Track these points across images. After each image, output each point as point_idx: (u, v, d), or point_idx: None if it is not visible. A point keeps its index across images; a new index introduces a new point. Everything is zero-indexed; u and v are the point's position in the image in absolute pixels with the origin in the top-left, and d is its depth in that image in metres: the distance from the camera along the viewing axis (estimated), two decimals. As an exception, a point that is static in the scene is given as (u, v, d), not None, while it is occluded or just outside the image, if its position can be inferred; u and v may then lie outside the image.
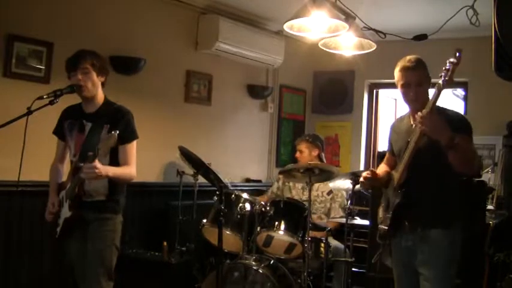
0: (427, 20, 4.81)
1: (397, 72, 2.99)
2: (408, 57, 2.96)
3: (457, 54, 2.65)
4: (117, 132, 2.89)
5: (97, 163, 2.90)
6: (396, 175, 2.97)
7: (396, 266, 3.08)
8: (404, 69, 2.94)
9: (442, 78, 2.68)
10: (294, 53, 6.16)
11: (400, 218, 2.93)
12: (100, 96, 3.25)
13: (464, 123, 2.92)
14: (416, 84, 2.90)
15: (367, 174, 3.07)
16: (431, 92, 2.82)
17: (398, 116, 3.29)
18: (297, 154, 4.95)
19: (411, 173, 2.89)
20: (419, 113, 2.74)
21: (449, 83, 2.68)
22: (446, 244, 2.85)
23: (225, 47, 5.34)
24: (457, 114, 3.00)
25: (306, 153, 4.86)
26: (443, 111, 2.90)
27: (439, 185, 2.88)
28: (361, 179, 3.11)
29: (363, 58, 4.88)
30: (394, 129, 3.22)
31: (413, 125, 2.89)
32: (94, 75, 3.17)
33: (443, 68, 2.69)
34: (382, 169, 3.23)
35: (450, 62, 2.66)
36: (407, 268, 2.98)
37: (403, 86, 2.96)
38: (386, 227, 2.99)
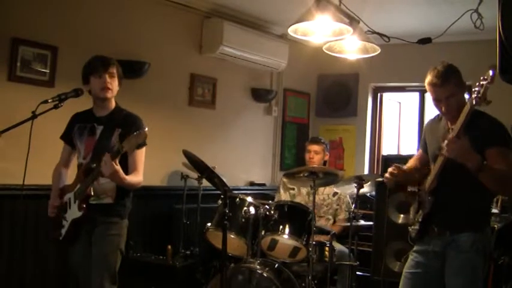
0: (431, 23, 4.80)
1: (426, 84, 2.86)
2: (436, 70, 2.80)
3: (491, 72, 2.48)
4: (146, 129, 2.95)
5: (117, 164, 2.95)
6: (428, 179, 2.91)
7: (412, 268, 2.97)
8: (431, 85, 2.81)
9: (475, 95, 2.52)
10: (298, 56, 6.16)
11: (429, 224, 2.89)
12: (112, 101, 3.30)
13: (499, 134, 2.78)
14: (447, 98, 2.79)
15: (393, 169, 2.98)
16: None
17: (436, 114, 3.11)
18: (310, 155, 4.88)
19: (441, 180, 2.83)
20: (446, 140, 2.64)
21: (482, 102, 2.52)
22: (474, 249, 2.77)
23: (229, 50, 5.35)
24: (493, 123, 2.84)
25: (320, 156, 4.85)
26: (478, 119, 2.77)
27: (468, 192, 2.79)
28: (387, 175, 3.01)
29: (367, 61, 4.87)
30: (431, 128, 3.09)
31: (449, 129, 2.80)
32: (117, 81, 3.24)
33: (477, 84, 2.52)
34: (410, 164, 3.16)
35: (484, 79, 2.50)
36: (430, 274, 2.90)
37: (434, 100, 2.85)
38: (417, 228, 2.95)
